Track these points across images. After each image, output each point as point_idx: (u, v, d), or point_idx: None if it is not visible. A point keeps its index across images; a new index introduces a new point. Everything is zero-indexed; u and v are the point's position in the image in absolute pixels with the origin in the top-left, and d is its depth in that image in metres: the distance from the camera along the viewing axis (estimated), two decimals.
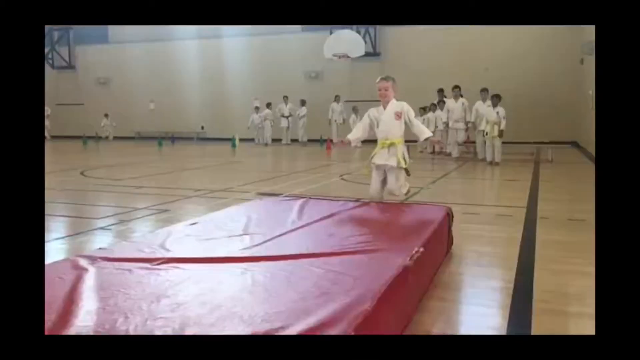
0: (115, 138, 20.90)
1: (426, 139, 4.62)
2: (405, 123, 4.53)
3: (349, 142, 4.63)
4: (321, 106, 17.36)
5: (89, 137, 19.83)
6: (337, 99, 16.72)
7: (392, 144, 4.51)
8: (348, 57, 15.40)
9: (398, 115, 4.45)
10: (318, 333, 1.64)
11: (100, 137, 20.71)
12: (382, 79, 4.55)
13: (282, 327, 1.68)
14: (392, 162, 4.49)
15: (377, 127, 4.54)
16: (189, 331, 1.68)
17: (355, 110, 16.02)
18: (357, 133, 4.63)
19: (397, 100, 4.60)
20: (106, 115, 20.98)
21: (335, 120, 16.72)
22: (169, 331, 1.68)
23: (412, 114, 4.51)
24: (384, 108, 4.51)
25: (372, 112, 4.60)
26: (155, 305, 1.89)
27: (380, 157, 4.56)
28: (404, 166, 4.48)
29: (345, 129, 16.56)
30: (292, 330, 1.66)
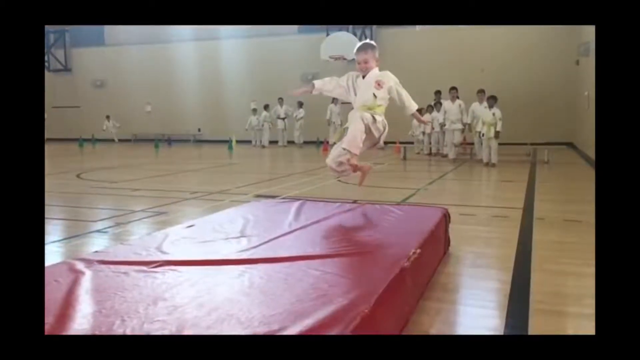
0: (111, 140, 20.83)
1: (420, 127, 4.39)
2: (391, 98, 3.90)
3: (312, 87, 4.03)
4: (318, 108, 17.34)
5: (86, 140, 19.77)
6: (334, 100, 16.69)
7: (369, 109, 3.83)
8: (344, 58, 15.42)
9: (379, 84, 3.77)
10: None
11: (97, 140, 20.63)
12: (359, 49, 3.84)
13: (280, 329, 1.68)
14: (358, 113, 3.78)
15: (355, 94, 3.88)
16: (186, 334, 1.68)
17: None
18: (326, 82, 4.02)
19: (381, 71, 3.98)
20: (107, 117, 20.88)
21: (334, 122, 16.69)
22: (166, 334, 1.67)
23: (400, 86, 3.88)
24: (363, 77, 3.87)
25: (352, 75, 3.93)
26: (152, 308, 1.89)
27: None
28: (367, 121, 3.68)
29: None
30: (290, 333, 1.66)
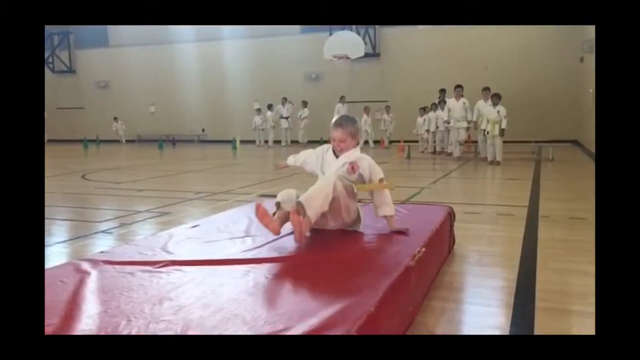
0: (115, 141, 20.90)
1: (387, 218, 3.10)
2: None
3: (285, 165, 3.53)
4: (321, 107, 17.36)
5: (90, 141, 19.84)
6: (342, 99, 16.59)
7: None
8: (348, 58, 15.43)
9: (352, 168, 2.87)
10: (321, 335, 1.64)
11: (102, 141, 20.69)
12: (335, 124, 3.09)
13: (285, 329, 1.68)
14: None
15: (322, 171, 3.16)
16: (192, 333, 1.68)
17: (366, 110, 15.96)
18: (298, 156, 3.41)
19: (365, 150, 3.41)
20: (115, 119, 20.96)
21: None
22: (171, 334, 1.68)
23: (377, 175, 3.04)
24: (336, 156, 3.12)
25: (324, 148, 3.24)
26: (157, 308, 1.89)
27: None
28: (339, 193, 2.86)
29: None
30: (295, 332, 1.66)
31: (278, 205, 2.90)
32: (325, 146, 3.25)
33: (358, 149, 3.14)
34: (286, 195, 2.96)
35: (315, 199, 2.75)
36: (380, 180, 3.03)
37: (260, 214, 2.79)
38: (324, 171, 3.13)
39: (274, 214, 2.91)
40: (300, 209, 2.73)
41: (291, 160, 3.45)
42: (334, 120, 3.15)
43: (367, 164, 3.03)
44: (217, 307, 1.89)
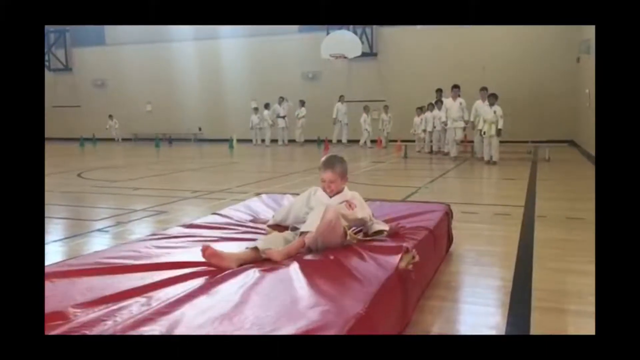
0: (112, 140, 20.83)
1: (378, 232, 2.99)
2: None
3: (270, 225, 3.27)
4: (318, 106, 17.33)
5: (86, 139, 19.77)
6: (341, 99, 16.54)
7: None
8: (345, 57, 15.41)
9: (350, 205, 2.95)
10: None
11: (98, 139, 20.62)
12: (324, 165, 3.03)
13: (272, 331, 1.66)
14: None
15: (311, 209, 3.05)
16: (178, 332, 1.66)
17: (366, 109, 15.96)
18: (278, 215, 3.28)
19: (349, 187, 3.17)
20: (110, 117, 20.90)
21: (340, 121, 16.54)
22: (156, 332, 1.66)
23: (359, 214, 2.99)
24: (330, 196, 3.05)
25: (310, 192, 3.15)
26: (146, 307, 1.88)
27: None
28: (340, 221, 2.76)
29: (353, 132, 16.59)
30: (282, 334, 1.63)
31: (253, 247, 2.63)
32: (312, 188, 3.18)
33: (346, 188, 3.11)
34: (269, 239, 2.78)
35: (330, 222, 2.67)
36: (376, 232, 3.01)
37: (209, 255, 2.45)
38: (312, 207, 3.00)
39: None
40: (306, 239, 2.69)
41: (271, 220, 3.32)
42: (323, 160, 3.07)
43: (358, 204, 3.02)
44: (205, 307, 1.87)
